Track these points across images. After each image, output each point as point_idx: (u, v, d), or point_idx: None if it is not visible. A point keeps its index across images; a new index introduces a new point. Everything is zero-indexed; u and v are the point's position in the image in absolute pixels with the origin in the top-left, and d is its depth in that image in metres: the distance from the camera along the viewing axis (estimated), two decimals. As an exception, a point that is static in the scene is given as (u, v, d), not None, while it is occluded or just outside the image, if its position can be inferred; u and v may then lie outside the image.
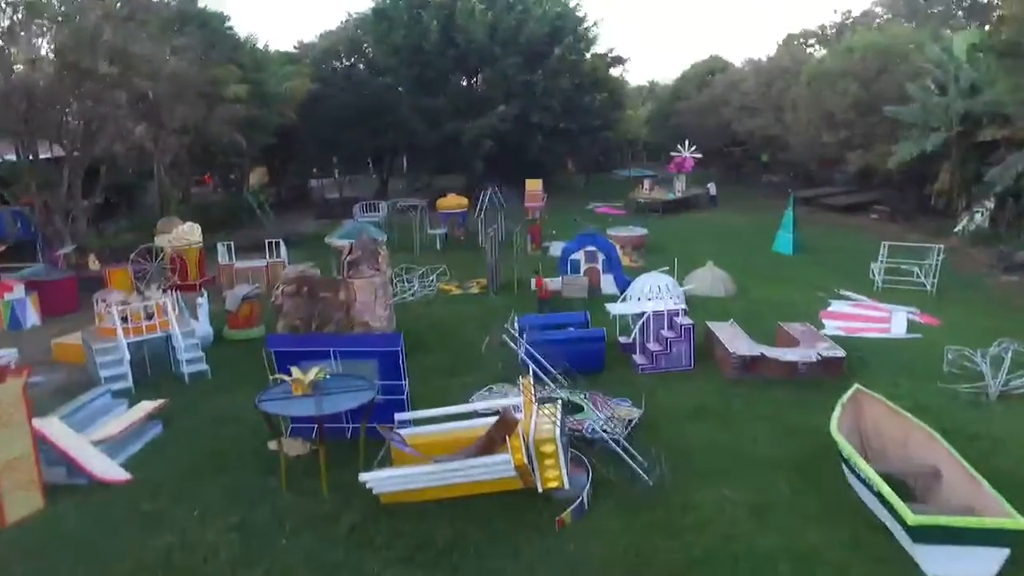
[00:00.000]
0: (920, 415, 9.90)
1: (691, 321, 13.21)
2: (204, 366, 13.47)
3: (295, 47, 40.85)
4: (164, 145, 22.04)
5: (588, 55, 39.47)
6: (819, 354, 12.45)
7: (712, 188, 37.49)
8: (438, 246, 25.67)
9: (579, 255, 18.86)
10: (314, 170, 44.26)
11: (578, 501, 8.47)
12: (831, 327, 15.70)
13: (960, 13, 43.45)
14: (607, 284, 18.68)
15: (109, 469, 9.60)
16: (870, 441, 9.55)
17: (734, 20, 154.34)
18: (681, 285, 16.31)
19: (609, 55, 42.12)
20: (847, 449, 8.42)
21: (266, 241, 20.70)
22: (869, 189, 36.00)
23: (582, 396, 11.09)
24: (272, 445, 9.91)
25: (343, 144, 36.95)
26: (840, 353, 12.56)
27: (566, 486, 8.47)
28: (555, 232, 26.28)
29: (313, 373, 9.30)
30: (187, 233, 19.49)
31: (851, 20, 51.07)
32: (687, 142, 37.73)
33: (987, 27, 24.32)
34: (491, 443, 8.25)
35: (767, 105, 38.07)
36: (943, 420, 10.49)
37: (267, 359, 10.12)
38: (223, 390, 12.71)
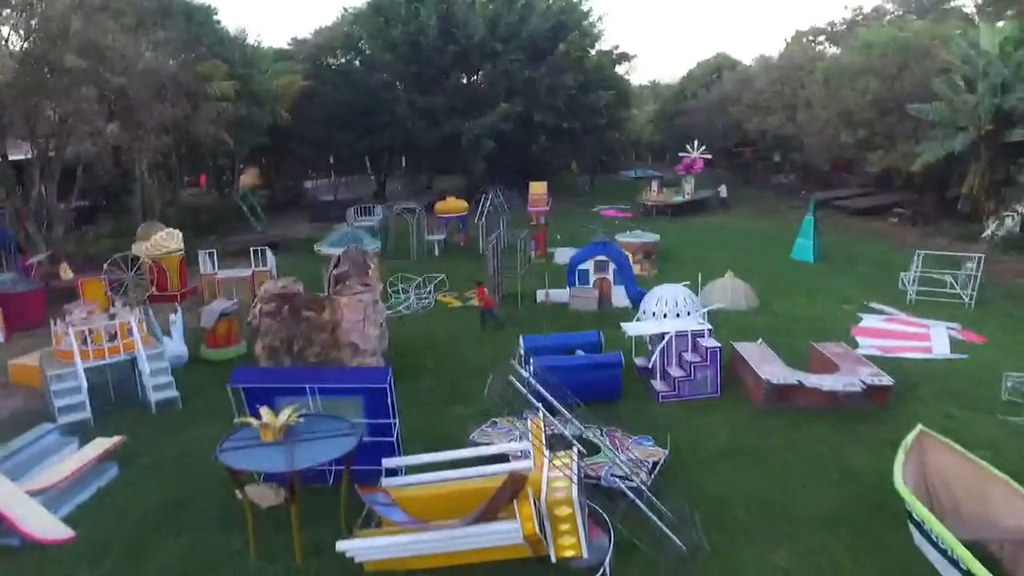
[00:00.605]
0: (984, 456, 8.53)
1: (718, 344, 11.80)
2: (174, 392, 12.07)
3: (288, 44, 39.53)
4: (143, 145, 20.55)
5: (593, 52, 38.01)
6: (863, 381, 11.07)
7: (723, 190, 36.08)
8: (436, 253, 24.30)
9: (588, 264, 17.47)
10: (309, 171, 42.89)
11: (599, 573, 7.09)
12: (865, 345, 14.32)
13: (973, 8, 41.91)
14: (618, 296, 17.31)
15: (47, 526, 8.20)
16: (938, 493, 8.14)
17: (738, 18, 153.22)
18: (699, 297, 14.89)
19: (615, 52, 40.71)
20: (922, 512, 7.01)
21: (251, 248, 19.30)
22: (887, 191, 34.56)
23: (598, 432, 9.70)
24: (240, 495, 8.50)
25: (338, 144, 35.58)
26: (887, 381, 11.14)
27: (585, 555, 7.07)
28: (559, 237, 24.90)
29: (286, 415, 7.90)
30: (165, 240, 18.09)
31: (861, 16, 49.70)
32: (696, 142, 36.24)
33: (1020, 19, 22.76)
34: (496, 506, 6.85)
35: (779, 103, 36.61)
36: (1012, 462, 9.12)
37: (233, 396, 8.72)
38: (193, 421, 11.32)
